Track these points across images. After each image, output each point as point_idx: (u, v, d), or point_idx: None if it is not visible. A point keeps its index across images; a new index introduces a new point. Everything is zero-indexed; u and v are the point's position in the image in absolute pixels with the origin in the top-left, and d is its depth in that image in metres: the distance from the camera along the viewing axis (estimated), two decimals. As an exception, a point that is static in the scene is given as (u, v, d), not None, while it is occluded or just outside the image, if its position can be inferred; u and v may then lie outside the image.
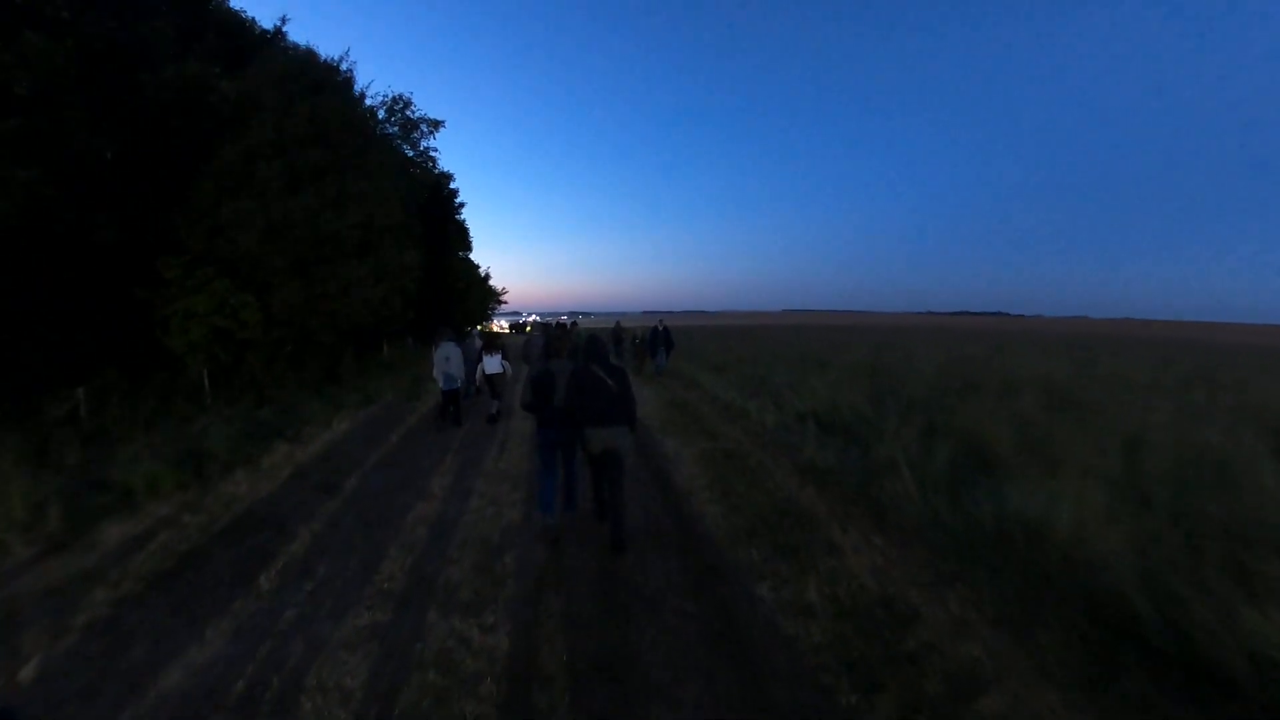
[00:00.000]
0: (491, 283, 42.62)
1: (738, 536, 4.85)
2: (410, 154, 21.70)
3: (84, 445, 8.02)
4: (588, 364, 4.60)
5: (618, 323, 21.18)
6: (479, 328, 60.09)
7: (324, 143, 14.13)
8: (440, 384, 9.33)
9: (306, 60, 15.18)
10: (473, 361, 10.60)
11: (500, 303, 41.43)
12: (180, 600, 3.89)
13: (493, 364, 10.11)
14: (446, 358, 9.23)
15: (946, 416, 8.28)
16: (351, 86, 16.13)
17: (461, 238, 35.92)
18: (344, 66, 16.44)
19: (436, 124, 21.34)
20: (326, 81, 15.38)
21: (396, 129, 21.13)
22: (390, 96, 20.59)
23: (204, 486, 6.45)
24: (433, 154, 22.33)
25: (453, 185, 33.10)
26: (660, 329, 15.16)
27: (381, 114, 20.44)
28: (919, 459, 6.35)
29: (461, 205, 33.70)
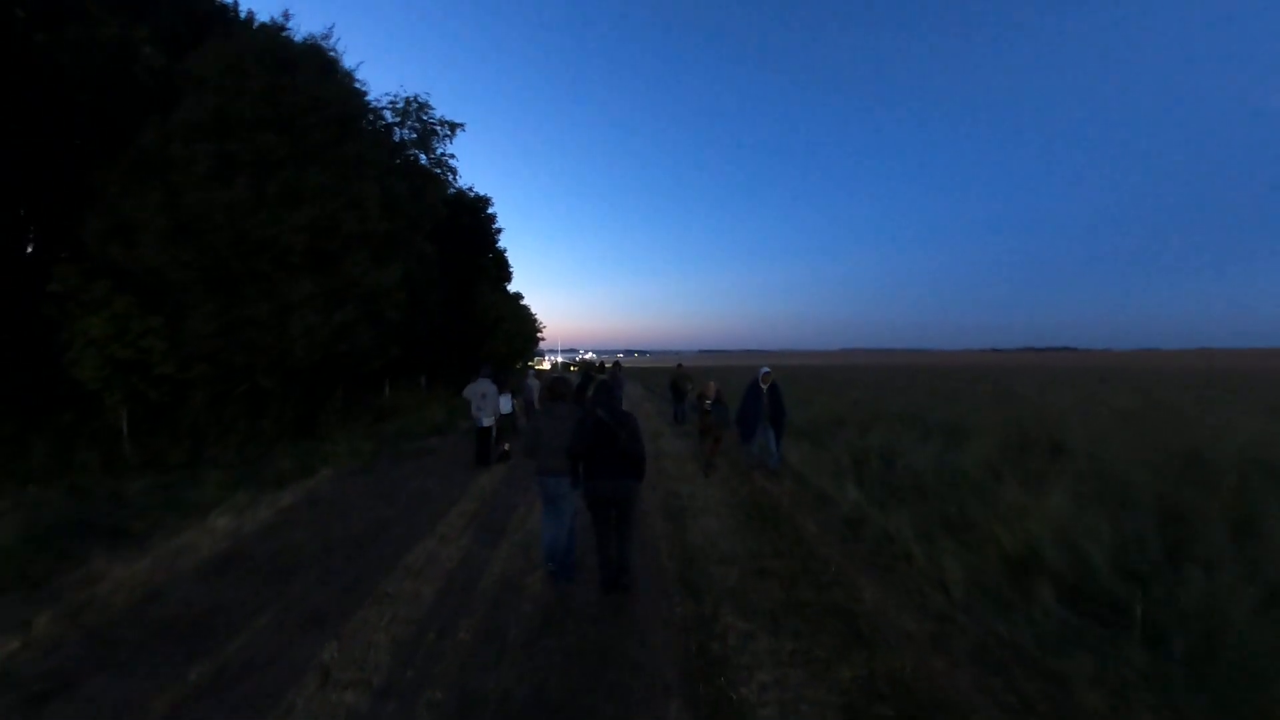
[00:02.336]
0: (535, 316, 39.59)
1: None
2: (425, 160, 18.62)
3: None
4: (594, 410, 4.30)
5: (679, 365, 16.95)
6: (532, 365, 57.14)
7: (283, 128, 10.97)
8: (477, 422, 9.09)
9: (271, 34, 12.23)
10: (528, 402, 10.70)
11: (539, 338, 38.18)
12: None
13: (504, 404, 9.66)
14: (483, 394, 8.96)
15: None
16: (334, 68, 13.06)
17: (500, 267, 33.00)
18: (330, 45, 13.45)
19: (455, 126, 18.30)
20: (302, 60, 12.40)
21: (412, 134, 18.15)
22: (402, 98, 17.71)
23: None
24: (450, 160, 19.15)
25: (490, 210, 30.39)
26: (760, 386, 8.15)
27: (389, 116, 17.54)
28: None
29: (499, 231, 30.81)
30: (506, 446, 9.58)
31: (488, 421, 8.94)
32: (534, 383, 11.54)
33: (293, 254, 9.83)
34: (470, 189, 29.39)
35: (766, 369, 8.33)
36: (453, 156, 18.99)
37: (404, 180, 15.96)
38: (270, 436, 11.93)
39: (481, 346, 24.37)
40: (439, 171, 19.05)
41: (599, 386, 4.72)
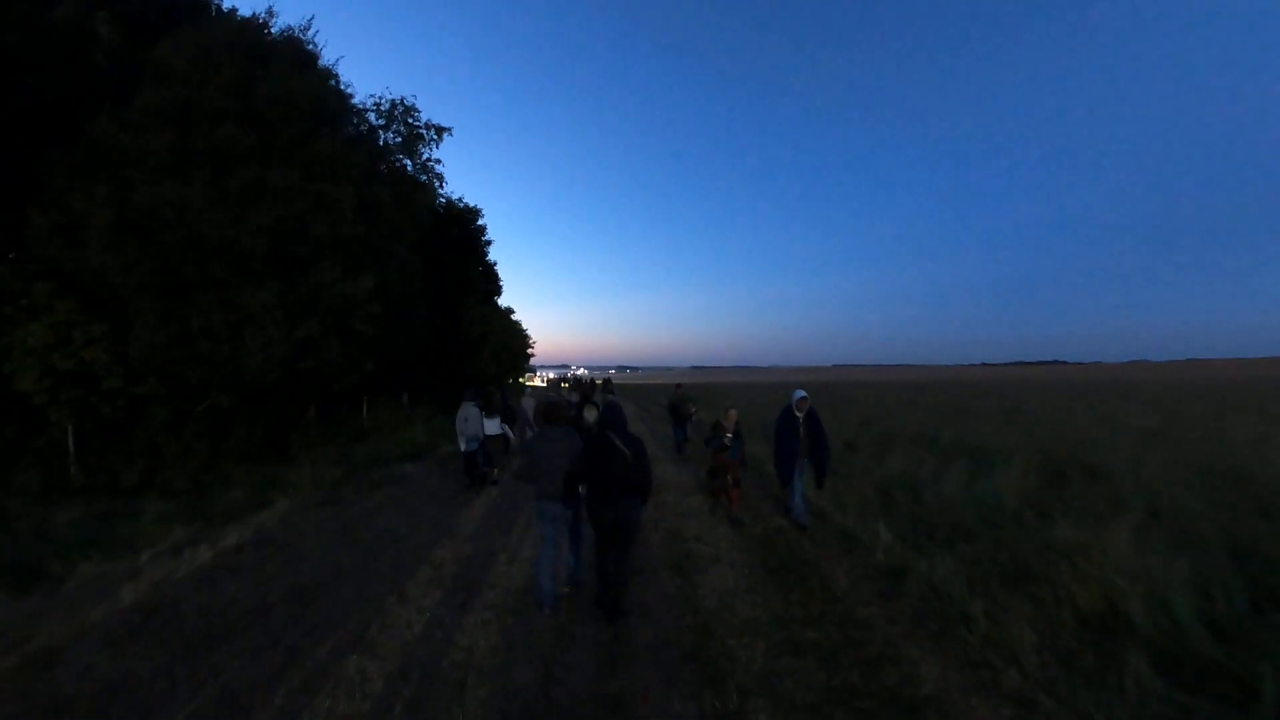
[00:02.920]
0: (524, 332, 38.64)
1: None
2: (411, 167, 17.74)
3: None
4: (603, 431, 4.28)
5: (679, 386, 14.37)
6: (525, 382, 55.68)
7: (250, 121, 10.10)
8: (461, 446, 8.91)
9: (245, 25, 11.41)
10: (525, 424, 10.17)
11: (530, 354, 37.17)
12: None
13: (491, 426, 9.25)
14: (465, 419, 8.78)
15: None
16: (312, 63, 12.25)
17: (489, 280, 32.09)
18: (309, 38, 12.66)
19: (442, 131, 17.45)
20: (276, 52, 11.58)
21: (398, 139, 17.30)
22: (388, 100, 16.89)
23: None
24: (436, 166, 18.27)
25: (480, 221, 29.55)
26: (796, 413, 6.54)
27: (374, 119, 16.71)
28: None
29: (488, 243, 29.95)
30: (496, 472, 9.34)
31: (467, 446, 8.77)
32: (530, 403, 10.96)
33: (253, 258, 8.90)
34: (460, 199, 28.62)
35: (802, 393, 6.49)
36: (439, 162, 18.17)
37: (387, 186, 15.13)
38: (235, 458, 10.94)
39: (467, 363, 23.37)
40: (425, 178, 18.20)
41: (607, 407, 4.63)
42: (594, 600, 4.40)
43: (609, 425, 4.32)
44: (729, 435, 7.06)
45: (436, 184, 18.64)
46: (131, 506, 7.97)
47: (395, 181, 16.53)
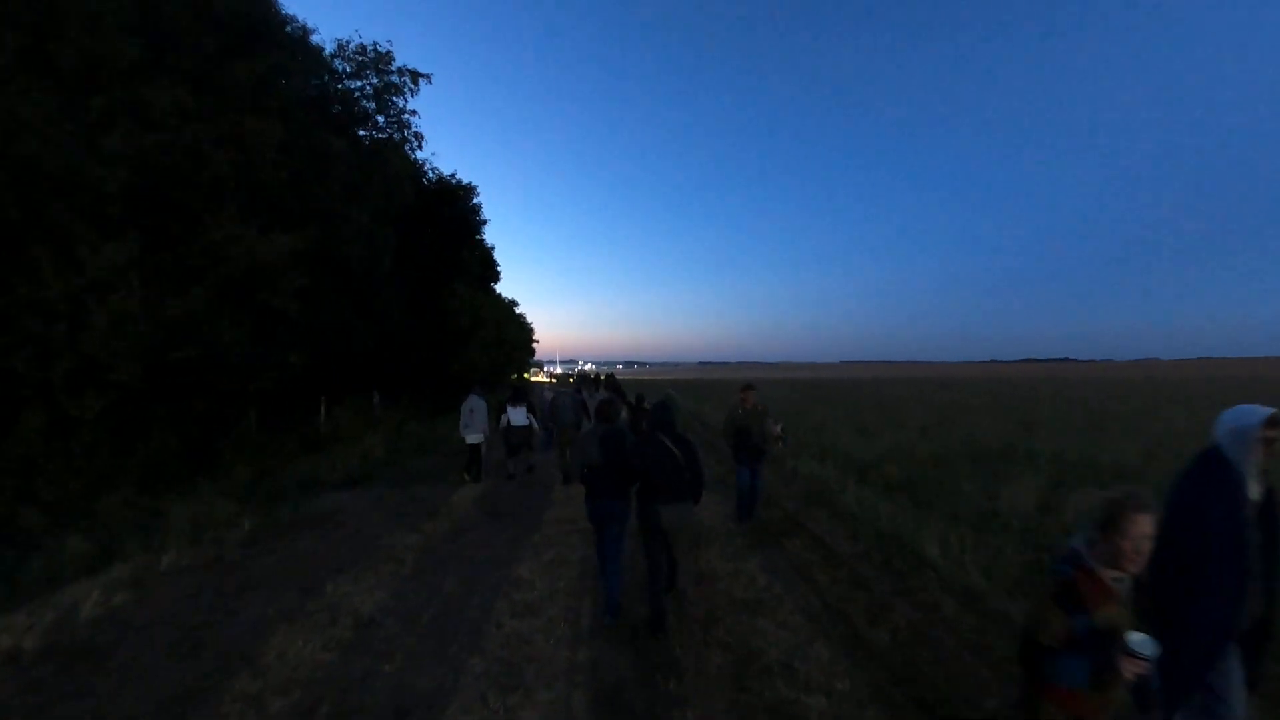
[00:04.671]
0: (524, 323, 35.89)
1: None
2: (384, 122, 14.86)
3: None
4: (654, 433, 4.18)
5: (748, 389, 6.60)
6: (527, 377, 52.99)
7: (140, 32, 7.40)
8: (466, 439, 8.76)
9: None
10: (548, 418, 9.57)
11: (533, 347, 34.48)
12: None
13: (518, 416, 8.92)
14: (470, 410, 8.69)
15: None
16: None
17: (485, 265, 29.26)
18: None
19: (419, 76, 14.55)
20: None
21: (365, 86, 14.40)
22: (354, 43, 14.04)
23: None
24: (410, 118, 15.26)
25: (475, 200, 26.75)
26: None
27: (341, 65, 13.88)
28: None
29: (483, 223, 27.17)
30: (529, 464, 9.47)
31: (474, 439, 8.68)
32: (549, 395, 10.84)
33: (111, 201, 6.16)
34: (453, 175, 25.84)
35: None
36: (414, 114, 15.23)
37: (345, 139, 12.39)
38: (137, 479, 8.29)
39: (453, 357, 20.49)
40: (399, 135, 15.33)
41: (657, 407, 4.41)
42: (651, 620, 3.97)
43: (658, 426, 4.22)
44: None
45: (415, 143, 15.78)
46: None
47: (356, 132, 13.79)
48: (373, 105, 14.83)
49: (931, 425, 14.59)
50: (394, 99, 14.79)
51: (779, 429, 6.52)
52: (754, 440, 6.29)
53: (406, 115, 15.07)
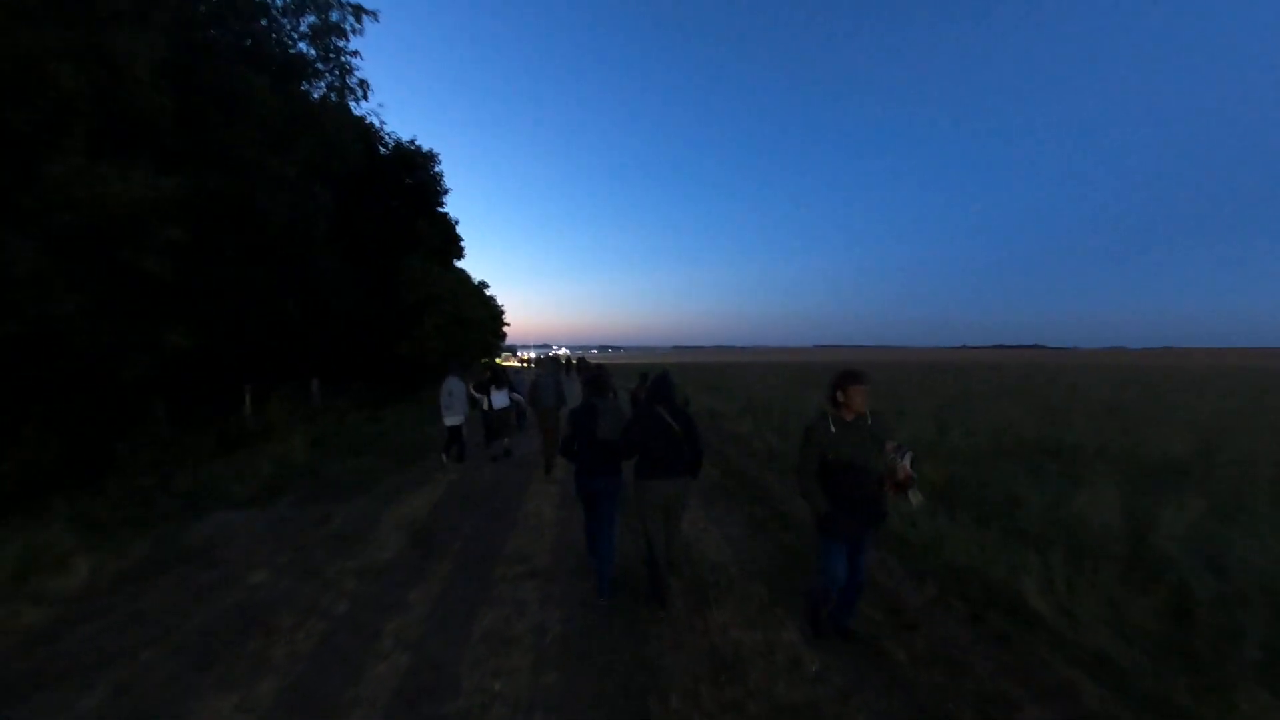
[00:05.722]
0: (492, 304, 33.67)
1: None
2: (323, 70, 12.66)
3: None
4: (651, 406, 3.96)
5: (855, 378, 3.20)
6: (497, 362, 50.64)
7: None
8: (445, 420, 8.67)
9: None
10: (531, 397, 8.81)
11: (503, 330, 32.30)
12: None
13: (500, 399, 9.25)
14: (449, 392, 8.59)
15: None
16: None
17: (446, 239, 26.85)
18: None
19: (362, 12, 12.37)
20: None
21: (300, 24, 12.17)
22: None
23: None
24: (350, 60, 13.08)
25: (436, 169, 24.44)
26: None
27: (277, 3, 11.59)
28: None
29: (445, 192, 24.95)
30: (506, 443, 9.30)
31: (453, 421, 8.59)
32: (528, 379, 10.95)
33: None
34: (413, 141, 23.51)
35: None
36: (356, 54, 13.03)
37: (268, 77, 10.27)
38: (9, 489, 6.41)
39: (402, 336, 18.24)
40: (339, 82, 13.13)
41: (655, 381, 4.10)
42: (650, 592, 3.97)
43: (657, 399, 3.98)
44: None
45: (359, 92, 13.57)
46: None
47: (285, 75, 11.68)
48: (313, 51, 12.64)
49: (942, 414, 13.16)
50: (336, 40, 12.61)
51: (907, 460, 3.20)
52: (868, 489, 3.22)
53: (347, 58, 12.87)
